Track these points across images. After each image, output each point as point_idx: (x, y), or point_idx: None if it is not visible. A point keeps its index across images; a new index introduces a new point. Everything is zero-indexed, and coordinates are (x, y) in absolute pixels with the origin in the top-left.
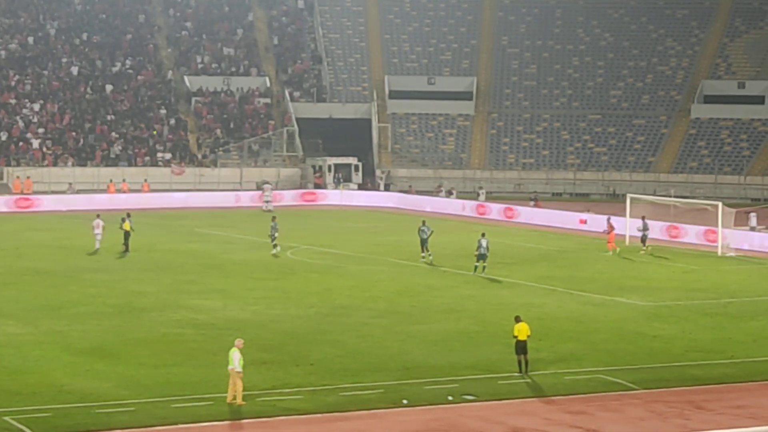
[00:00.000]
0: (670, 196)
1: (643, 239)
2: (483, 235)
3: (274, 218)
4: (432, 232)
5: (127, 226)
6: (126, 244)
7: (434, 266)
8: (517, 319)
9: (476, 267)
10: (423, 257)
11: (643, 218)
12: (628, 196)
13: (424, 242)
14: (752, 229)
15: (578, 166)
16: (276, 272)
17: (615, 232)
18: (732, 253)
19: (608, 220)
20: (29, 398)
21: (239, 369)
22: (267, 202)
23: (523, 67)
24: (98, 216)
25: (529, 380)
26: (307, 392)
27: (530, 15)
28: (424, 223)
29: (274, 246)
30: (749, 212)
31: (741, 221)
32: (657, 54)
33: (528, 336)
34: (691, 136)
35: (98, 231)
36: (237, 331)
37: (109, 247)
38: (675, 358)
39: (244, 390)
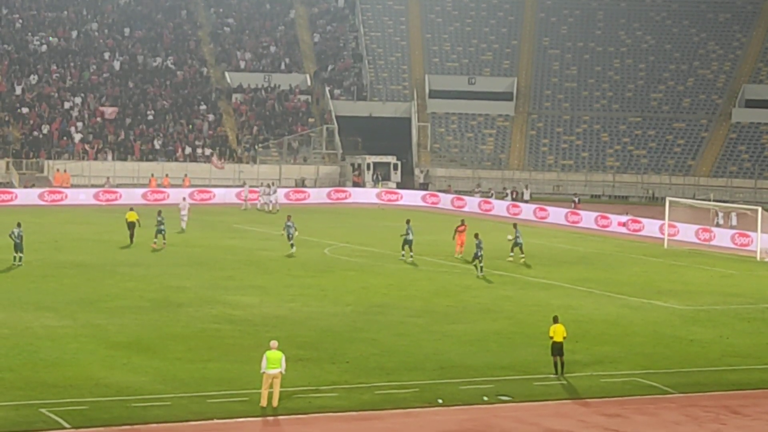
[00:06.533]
0: (710, 200)
1: (516, 246)
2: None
3: (288, 217)
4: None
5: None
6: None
7: (416, 266)
8: (555, 320)
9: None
10: (403, 255)
11: (515, 225)
12: (667, 199)
13: (408, 242)
14: (732, 227)
15: (617, 169)
16: (313, 270)
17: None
18: None
19: (462, 221)
20: (66, 391)
21: (284, 371)
22: (267, 203)
23: (564, 68)
24: (184, 198)
25: (564, 382)
26: (342, 390)
27: (572, 16)
28: (408, 222)
29: (291, 245)
30: (730, 212)
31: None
32: (698, 57)
33: (564, 337)
34: (731, 140)
35: (184, 213)
36: (274, 327)
37: (145, 241)
38: (712, 362)
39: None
